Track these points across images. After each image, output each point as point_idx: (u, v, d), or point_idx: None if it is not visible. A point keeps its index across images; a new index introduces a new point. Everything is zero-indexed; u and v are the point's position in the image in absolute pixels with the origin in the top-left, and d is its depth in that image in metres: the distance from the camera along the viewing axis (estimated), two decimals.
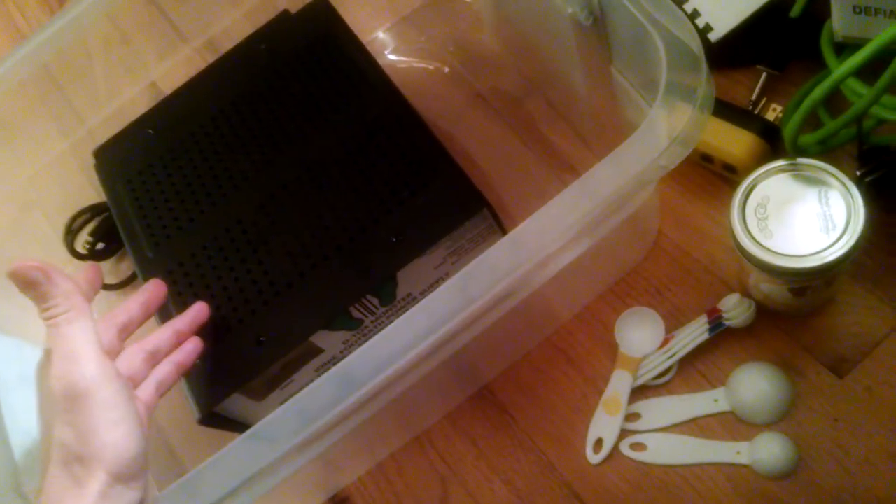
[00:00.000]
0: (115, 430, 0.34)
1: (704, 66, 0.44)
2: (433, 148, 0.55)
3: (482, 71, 0.74)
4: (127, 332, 0.48)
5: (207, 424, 0.53)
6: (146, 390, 0.46)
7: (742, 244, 0.48)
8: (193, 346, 0.50)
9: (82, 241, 0.74)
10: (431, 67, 0.77)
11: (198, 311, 0.52)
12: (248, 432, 0.43)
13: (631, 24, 0.47)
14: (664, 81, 0.44)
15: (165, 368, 0.47)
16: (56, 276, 0.38)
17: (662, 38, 0.45)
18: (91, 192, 0.75)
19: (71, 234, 0.72)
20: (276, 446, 0.42)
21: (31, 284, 0.38)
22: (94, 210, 0.73)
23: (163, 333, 0.49)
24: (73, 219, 0.73)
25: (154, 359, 0.47)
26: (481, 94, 0.73)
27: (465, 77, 0.75)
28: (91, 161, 0.68)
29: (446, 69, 0.76)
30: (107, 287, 0.74)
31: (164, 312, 0.55)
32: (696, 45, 0.44)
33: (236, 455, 0.42)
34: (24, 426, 0.59)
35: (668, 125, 0.44)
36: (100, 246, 0.74)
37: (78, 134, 0.77)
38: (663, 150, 0.43)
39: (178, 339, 0.49)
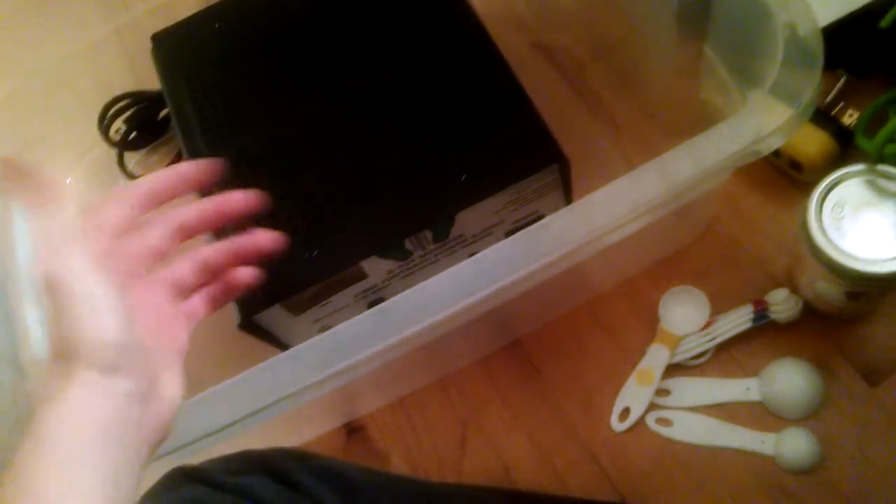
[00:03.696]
0: (91, 319, 0.33)
1: (819, 69, 0.43)
2: (515, 91, 0.54)
3: (553, 24, 0.73)
4: (152, 203, 0.42)
5: (245, 331, 0.52)
6: (195, 301, 0.43)
7: (815, 240, 0.48)
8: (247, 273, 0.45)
9: (116, 127, 0.71)
10: (499, 10, 0.75)
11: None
12: (289, 352, 0.43)
13: (748, 8, 0.46)
14: (775, 75, 0.43)
15: (217, 286, 0.44)
16: (39, 170, 0.37)
17: (784, 29, 0.44)
18: (130, 79, 0.73)
19: (108, 119, 0.70)
20: (313, 371, 0.42)
21: (14, 175, 0.36)
22: (135, 97, 0.70)
23: (219, 247, 0.44)
24: (112, 103, 0.70)
25: (206, 267, 0.43)
26: (549, 47, 0.72)
27: (533, 27, 0.73)
28: (137, 48, 0.65)
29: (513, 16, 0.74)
30: (133, 177, 0.72)
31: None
32: (817, 45, 0.43)
33: (275, 372, 0.42)
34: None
35: (760, 120, 0.42)
36: (132, 135, 0.72)
37: (121, 20, 0.74)
38: (748, 146, 0.42)
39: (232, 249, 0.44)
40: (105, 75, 0.74)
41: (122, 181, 0.72)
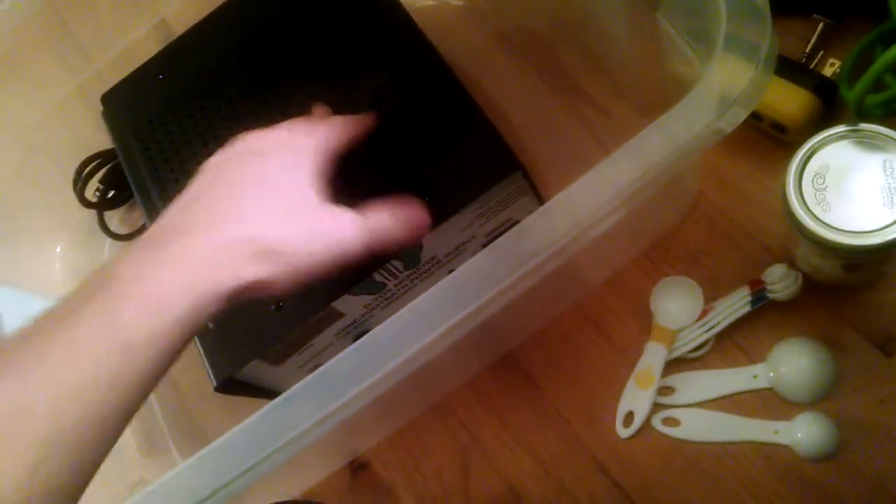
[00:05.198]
0: None
1: (769, 18, 0.39)
2: (464, 102, 0.51)
3: (509, 9, 0.69)
4: None
5: (224, 392, 0.51)
6: None
7: (798, 217, 0.44)
8: None
9: (93, 189, 0.71)
10: (451, 2, 0.71)
11: None
12: (277, 400, 0.41)
13: None
14: (723, 35, 0.40)
15: None
16: None
17: None
18: (101, 135, 0.71)
19: (81, 181, 0.69)
20: (307, 414, 0.40)
21: None
22: (105, 156, 0.70)
23: None
24: (84, 165, 0.70)
25: None
26: (507, 34, 0.68)
27: (489, 15, 0.70)
28: (99, 104, 0.65)
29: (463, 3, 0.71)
30: (117, 237, 0.72)
31: None
32: None
33: (268, 421, 0.41)
34: None
35: (724, 85, 0.39)
36: (110, 194, 0.71)
37: (85, 74, 0.73)
38: (719, 115, 0.39)
39: None
40: (76, 134, 0.74)
41: (108, 243, 0.72)
